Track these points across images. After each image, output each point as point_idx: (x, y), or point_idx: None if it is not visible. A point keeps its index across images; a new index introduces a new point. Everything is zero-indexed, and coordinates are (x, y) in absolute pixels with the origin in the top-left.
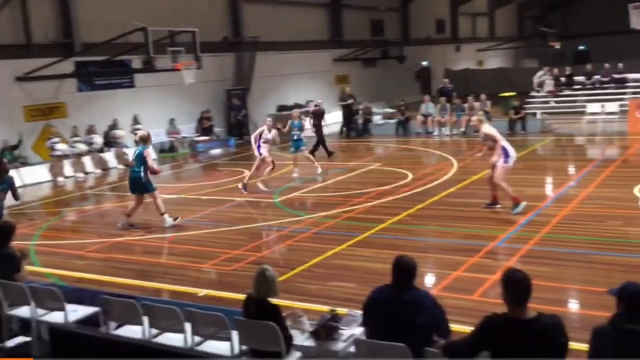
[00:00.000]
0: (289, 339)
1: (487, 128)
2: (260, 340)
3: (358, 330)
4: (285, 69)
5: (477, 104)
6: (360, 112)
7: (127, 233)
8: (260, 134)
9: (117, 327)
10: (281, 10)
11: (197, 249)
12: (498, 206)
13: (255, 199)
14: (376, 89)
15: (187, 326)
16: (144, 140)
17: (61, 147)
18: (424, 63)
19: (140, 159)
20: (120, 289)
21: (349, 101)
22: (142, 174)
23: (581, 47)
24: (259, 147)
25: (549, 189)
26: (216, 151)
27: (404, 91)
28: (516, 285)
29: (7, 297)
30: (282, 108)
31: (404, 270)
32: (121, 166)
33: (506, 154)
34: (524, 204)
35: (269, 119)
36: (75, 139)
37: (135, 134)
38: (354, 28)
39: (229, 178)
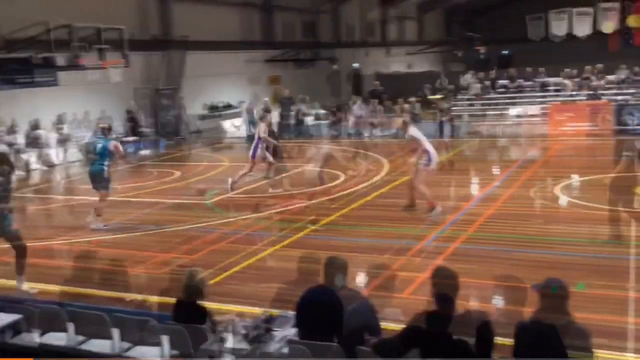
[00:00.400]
0: (220, 341)
1: (412, 130)
2: (191, 344)
3: (291, 331)
4: (217, 69)
5: (406, 106)
6: (293, 113)
7: (52, 237)
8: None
9: (41, 335)
10: (212, 9)
11: (127, 252)
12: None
13: (187, 201)
14: (308, 90)
15: (115, 332)
16: (108, 131)
17: None
18: (355, 65)
19: (105, 152)
20: (44, 295)
21: (292, 108)
22: (105, 167)
23: (505, 52)
24: (255, 148)
25: (475, 189)
26: (145, 152)
27: (335, 93)
28: (445, 283)
29: None
30: (213, 108)
31: (335, 271)
32: (45, 167)
33: (429, 157)
34: (439, 209)
35: (269, 115)
36: None
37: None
38: (286, 29)
39: (159, 179)
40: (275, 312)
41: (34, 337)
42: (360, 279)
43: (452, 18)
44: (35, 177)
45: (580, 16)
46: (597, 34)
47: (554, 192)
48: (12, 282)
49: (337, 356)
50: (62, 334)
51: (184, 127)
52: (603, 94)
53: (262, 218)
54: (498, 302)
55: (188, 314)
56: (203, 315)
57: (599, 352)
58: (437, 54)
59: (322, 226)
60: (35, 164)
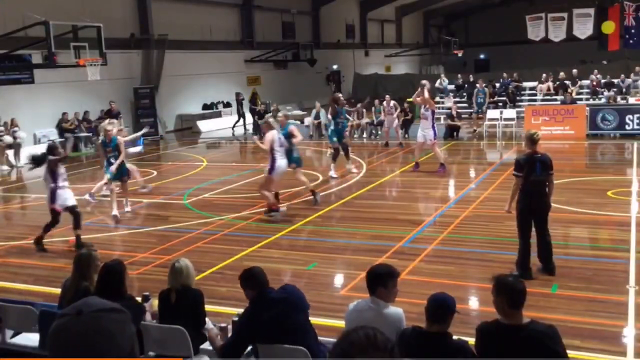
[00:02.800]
0: (202, 337)
1: (270, 133)
2: (167, 345)
3: None
4: (196, 69)
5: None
6: (271, 114)
7: (25, 237)
8: None
9: (14, 336)
10: (191, 8)
11: (102, 252)
12: (274, 213)
13: (165, 201)
14: (287, 91)
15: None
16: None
17: None
18: (335, 67)
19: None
20: (16, 295)
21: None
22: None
23: (482, 56)
24: None
25: (451, 191)
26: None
27: (315, 94)
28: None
29: None
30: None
31: (259, 279)
32: (7, 168)
33: (272, 165)
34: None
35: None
36: None
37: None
38: (265, 29)
39: (136, 179)
40: None
41: (7, 338)
42: (338, 280)
43: (430, 22)
44: (12, 176)
45: (554, 22)
46: (572, 39)
47: None
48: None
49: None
50: (35, 335)
51: (162, 126)
52: (578, 99)
53: (239, 218)
54: (472, 302)
55: (180, 298)
56: (196, 296)
57: (572, 354)
58: (415, 57)
59: (300, 227)
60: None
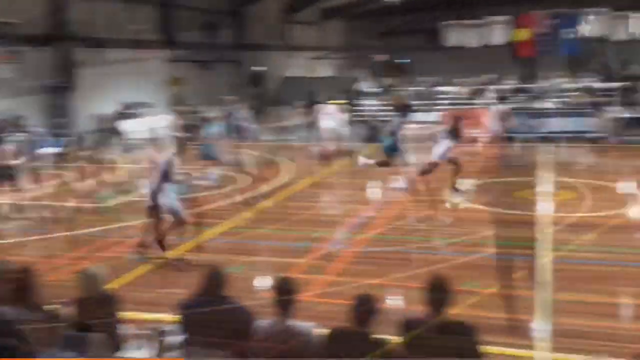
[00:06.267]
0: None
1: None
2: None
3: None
4: (113, 67)
5: None
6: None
7: None
8: None
9: None
10: (110, 4)
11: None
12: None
13: (76, 204)
14: (211, 93)
15: None
16: None
17: None
18: (260, 68)
19: None
20: None
21: None
22: None
23: (404, 60)
24: None
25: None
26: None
27: (240, 95)
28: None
29: None
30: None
31: (214, 280)
32: None
33: None
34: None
35: None
36: None
37: None
38: (187, 29)
39: (48, 182)
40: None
41: None
42: (265, 282)
43: (353, 25)
44: None
45: (470, 27)
46: (487, 46)
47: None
48: None
49: None
50: None
51: (75, 127)
52: (500, 102)
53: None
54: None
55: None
56: (111, 300)
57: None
58: (338, 60)
59: (227, 230)
60: None
